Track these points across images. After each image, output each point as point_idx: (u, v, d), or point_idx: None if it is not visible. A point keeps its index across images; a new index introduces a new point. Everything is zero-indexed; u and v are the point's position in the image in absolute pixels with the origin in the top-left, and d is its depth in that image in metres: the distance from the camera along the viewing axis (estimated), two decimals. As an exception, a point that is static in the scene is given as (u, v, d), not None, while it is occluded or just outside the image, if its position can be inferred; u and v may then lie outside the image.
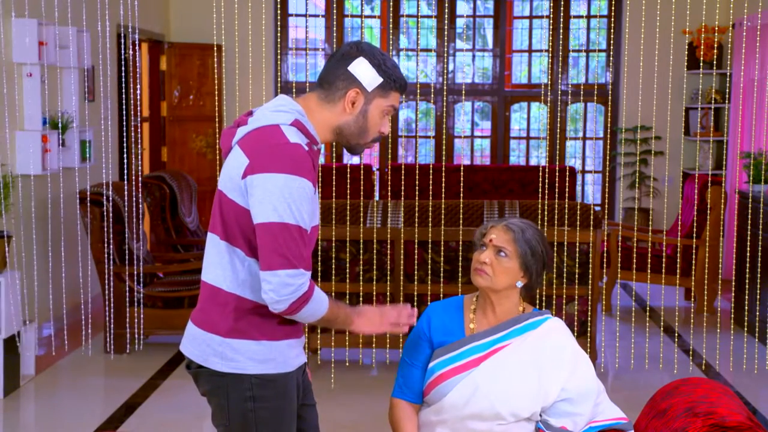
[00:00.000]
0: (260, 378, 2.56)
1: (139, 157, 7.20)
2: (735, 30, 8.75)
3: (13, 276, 5.45)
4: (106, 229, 6.05)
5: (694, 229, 7.05)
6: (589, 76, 10.21)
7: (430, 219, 5.95)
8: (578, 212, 5.98)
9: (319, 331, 5.70)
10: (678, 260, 7.18)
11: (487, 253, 2.88)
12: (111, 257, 6.08)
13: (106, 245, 6.06)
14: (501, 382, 2.84)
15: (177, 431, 4.96)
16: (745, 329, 6.70)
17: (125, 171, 7.62)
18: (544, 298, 5.68)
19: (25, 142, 6.13)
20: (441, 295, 5.65)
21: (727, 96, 9.36)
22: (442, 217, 6.05)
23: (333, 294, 5.74)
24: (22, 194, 6.10)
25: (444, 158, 10.20)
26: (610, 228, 7.58)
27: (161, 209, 7.14)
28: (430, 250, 5.77)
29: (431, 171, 6.87)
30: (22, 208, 6.11)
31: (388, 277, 5.74)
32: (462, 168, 8.08)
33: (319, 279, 5.70)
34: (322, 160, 9.76)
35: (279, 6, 8.21)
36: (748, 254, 6.72)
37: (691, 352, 6.37)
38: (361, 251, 5.76)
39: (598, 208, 8.33)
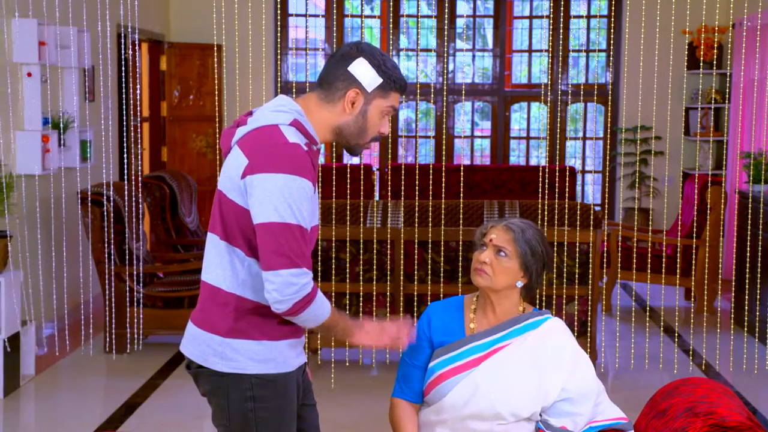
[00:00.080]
0: (260, 378, 2.57)
1: (139, 157, 7.20)
2: (735, 30, 8.75)
3: (14, 276, 5.45)
4: (106, 229, 6.05)
5: (694, 229, 7.05)
6: (589, 76, 10.21)
7: (430, 219, 5.95)
8: (578, 212, 5.98)
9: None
10: (678, 260, 7.18)
11: (487, 253, 2.88)
12: (111, 257, 6.08)
13: (106, 245, 6.06)
14: (501, 382, 2.84)
15: (177, 431, 4.96)
16: (745, 329, 6.70)
17: (125, 171, 7.62)
18: (544, 298, 5.69)
19: (25, 142, 6.13)
20: (441, 295, 5.65)
21: (727, 96, 9.36)
22: (442, 217, 6.05)
23: (333, 294, 5.74)
24: (23, 194, 6.10)
25: (444, 158, 10.20)
26: (610, 228, 7.58)
27: (161, 209, 7.14)
28: (430, 250, 5.77)
29: (431, 171, 6.87)
30: (23, 208, 6.11)
31: (388, 277, 5.74)
32: (462, 168, 8.08)
33: (319, 279, 5.70)
34: (322, 160, 9.76)
35: (279, 6, 8.21)
36: (748, 254, 6.72)
37: (691, 352, 6.37)
38: (361, 251, 5.76)
39: (598, 208, 8.34)
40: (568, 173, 8.39)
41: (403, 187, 8.99)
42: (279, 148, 2.48)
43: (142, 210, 6.50)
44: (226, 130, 2.68)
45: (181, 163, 9.38)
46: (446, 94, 8.86)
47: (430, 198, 6.25)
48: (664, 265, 6.58)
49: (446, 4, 7.56)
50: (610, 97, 10.08)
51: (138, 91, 8.31)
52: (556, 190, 7.45)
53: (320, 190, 8.28)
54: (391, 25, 10.20)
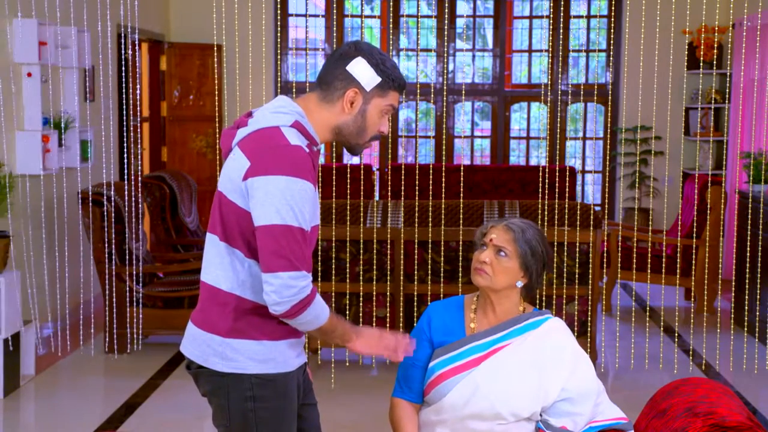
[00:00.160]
0: (260, 378, 2.56)
1: (139, 157, 7.20)
2: (735, 30, 8.75)
3: (13, 276, 5.45)
4: (106, 229, 6.05)
5: (694, 229, 7.05)
6: (589, 76, 10.21)
7: (430, 219, 5.95)
8: (578, 212, 5.98)
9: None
10: (678, 260, 7.18)
11: (487, 253, 2.88)
12: (111, 257, 6.08)
13: (106, 245, 6.06)
14: (501, 382, 2.84)
15: (177, 431, 4.96)
16: (745, 329, 6.70)
17: (125, 171, 7.62)
18: (544, 298, 5.69)
19: (25, 142, 6.13)
20: (441, 295, 5.65)
21: (727, 96, 9.36)
22: (442, 217, 6.05)
23: (333, 294, 5.74)
24: (23, 194, 6.10)
25: (444, 158, 10.20)
26: (610, 228, 7.58)
27: (161, 209, 7.14)
28: (430, 250, 5.77)
29: (431, 171, 6.87)
30: (27, 208, 6.11)
31: (388, 277, 5.74)
32: (462, 168, 8.08)
33: (319, 279, 5.70)
34: (322, 160, 9.76)
35: (279, 6, 8.21)
36: (748, 254, 6.72)
37: (691, 352, 6.37)
38: (361, 251, 5.76)
39: (598, 208, 8.34)
40: (568, 173, 8.39)
41: (403, 187, 8.99)
42: (280, 150, 2.48)
43: (142, 210, 6.50)
44: (226, 130, 2.68)
45: (181, 163, 9.38)
46: (446, 94, 8.86)
47: (430, 198, 6.25)
48: (664, 265, 6.58)
49: (446, 4, 7.56)
50: (610, 97, 10.08)
51: (138, 91, 8.31)
52: (556, 190, 7.45)
53: (320, 190, 8.28)
54: (391, 25, 10.20)
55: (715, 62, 7.43)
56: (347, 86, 2.58)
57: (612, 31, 9.92)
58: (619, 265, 7.43)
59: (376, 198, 9.67)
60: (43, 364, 5.91)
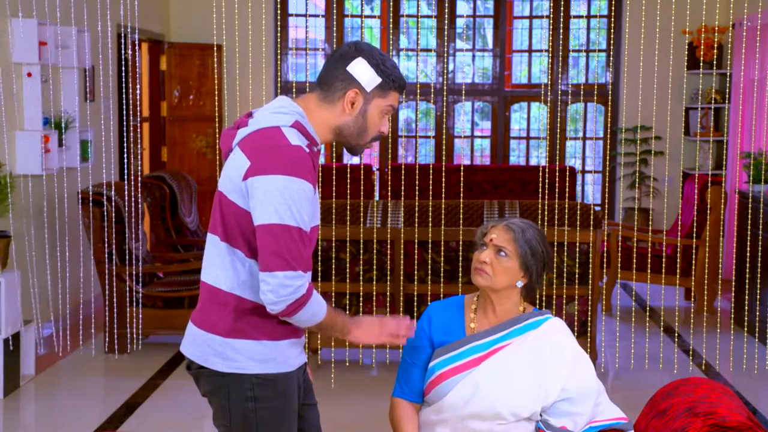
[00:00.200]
0: (261, 378, 2.57)
1: (139, 157, 7.20)
2: (735, 30, 8.75)
3: (13, 276, 5.45)
4: (106, 229, 6.05)
5: (694, 229, 7.05)
6: (589, 76, 10.21)
7: (430, 219, 5.95)
8: (578, 212, 5.98)
9: (319, 331, 5.69)
10: (678, 260, 7.18)
11: (487, 253, 2.88)
12: (111, 257, 6.08)
13: (106, 245, 6.06)
14: (501, 382, 2.84)
15: (177, 431, 4.97)
16: (745, 329, 6.70)
17: (125, 171, 7.62)
18: (544, 298, 5.69)
19: (25, 142, 6.13)
20: (441, 295, 5.65)
21: (727, 96, 9.36)
22: (442, 217, 6.05)
23: (333, 294, 5.74)
24: (23, 194, 6.10)
25: (444, 158, 10.20)
26: (610, 228, 7.58)
27: (161, 209, 7.14)
28: (430, 250, 5.77)
29: (431, 171, 6.87)
30: (30, 208, 6.11)
31: (388, 277, 5.75)
32: (462, 168, 8.09)
33: (319, 279, 5.70)
34: (322, 160, 9.76)
35: (279, 6, 8.22)
36: (748, 254, 6.72)
37: (691, 352, 6.37)
38: (361, 251, 5.76)
39: (598, 208, 8.34)
40: (568, 173, 8.39)
41: (403, 187, 8.99)
42: (280, 150, 2.48)
43: (142, 210, 6.50)
44: (226, 131, 2.68)
45: (181, 163, 9.38)
46: (446, 94, 8.86)
47: (430, 198, 6.25)
48: (664, 265, 6.58)
49: (446, 4, 7.56)
50: (610, 97, 10.08)
51: (138, 91, 8.31)
52: (556, 190, 7.45)
53: (320, 190, 8.28)
54: (391, 25, 10.20)
55: (715, 62, 7.43)
56: (348, 87, 2.58)
57: (612, 31, 9.92)
58: (619, 265, 7.43)
59: (376, 198, 9.67)
60: (43, 364, 5.91)
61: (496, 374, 2.85)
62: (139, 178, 6.70)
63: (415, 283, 5.76)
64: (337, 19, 10.23)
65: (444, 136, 10.30)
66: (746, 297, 6.74)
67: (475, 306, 2.97)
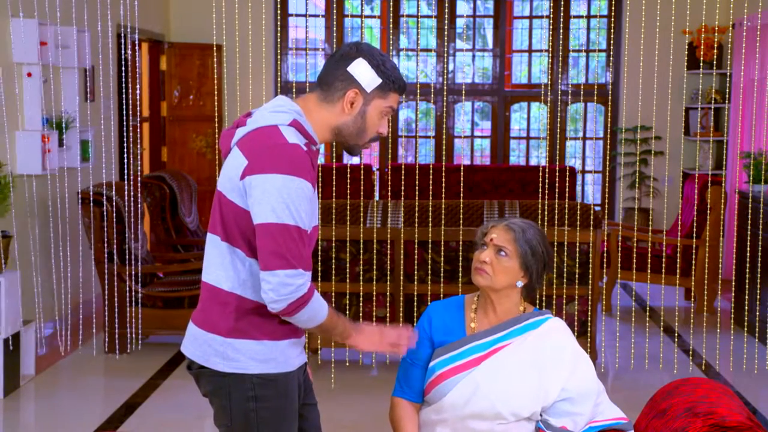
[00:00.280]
0: (262, 378, 2.57)
1: (139, 157, 7.20)
2: (735, 30, 8.75)
3: (13, 276, 5.45)
4: (106, 229, 6.05)
5: (694, 229, 7.05)
6: (589, 76, 10.21)
7: (430, 219, 5.95)
8: (578, 212, 5.98)
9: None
10: (678, 260, 7.18)
11: (488, 253, 2.88)
12: (111, 257, 6.08)
13: (106, 245, 6.06)
14: (501, 382, 2.84)
15: (177, 431, 4.97)
16: (745, 329, 6.70)
17: (125, 171, 7.62)
18: (544, 298, 5.69)
19: (25, 142, 6.13)
20: (441, 295, 5.65)
21: (727, 96, 9.36)
22: (442, 217, 6.05)
23: (333, 294, 5.74)
24: (24, 194, 6.10)
25: (444, 158, 10.20)
26: (610, 228, 7.58)
27: (161, 209, 7.14)
28: (430, 250, 5.77)
29: (431, 171, 6.87)
30: (28, 208, 6.11)
31: (388, 277, 5.75)
32: (462, 168, 8.09)
33: (319, 279, 5.70)
34: (321, 160, 9.76)
35: (279, 6, 8.21)
36: (748, 254, 6.72)
37: (691, 352, 6.37)
38: (361, 251, 5.76)
39: (598, 208, 8.34)
40: (568, 173, 8.39)
41: (403, 187, 8.99)
42: (278, 149, 2.48)
43: (142, 210, 6.50)
44: (225, 131, 2.68)
45: (181, 163, 9.38)
46: (446, 94, 8.86)
47: (430, 198, 6.25)
48: (664, 265, 6.58)
49: (446, 4, 7.56)
50: (610, 97, 10.08)
51: (138, 91, 8.31)
52: (556, 190, 7.45)
53: (320, 190, 8.28)
54: (391, 25, 10.20)
55: (715, 62, 7.43)
56: (348, 87, 2.58)
57: (612, 31, 9.92)
58: (619, 265, 7.43)
59: (376, 198, 9.67)
60: (43, 364, 5.92)
61: (497, 374, 2.85)
62: (139, 178, 6.70)
63: (415, 283, 5.76)
64: (337, 19, 10.23)
65: (444, 136, 10.30)
66: (746, 297, 6.74)
67: (476, 306, 2.97)
